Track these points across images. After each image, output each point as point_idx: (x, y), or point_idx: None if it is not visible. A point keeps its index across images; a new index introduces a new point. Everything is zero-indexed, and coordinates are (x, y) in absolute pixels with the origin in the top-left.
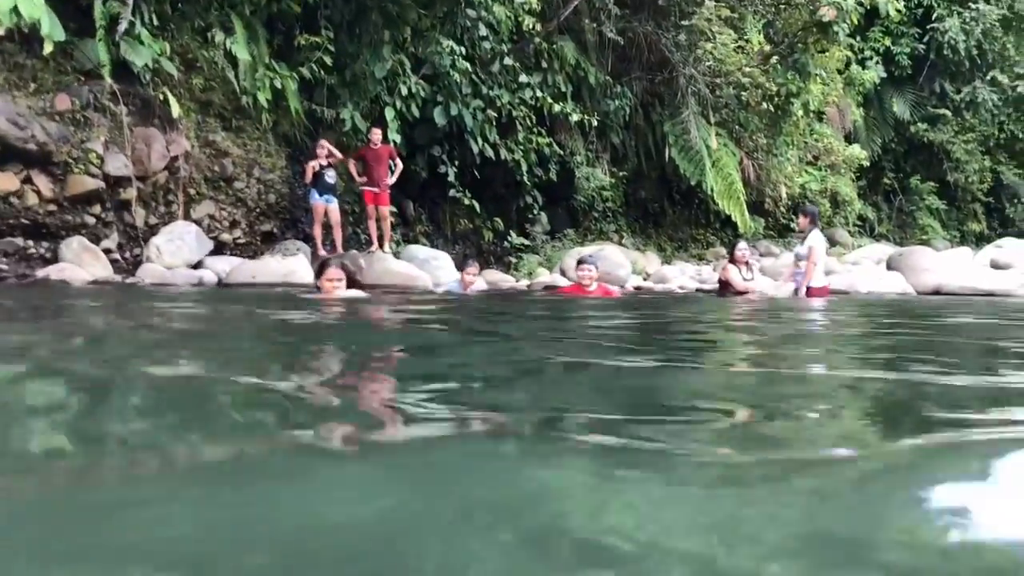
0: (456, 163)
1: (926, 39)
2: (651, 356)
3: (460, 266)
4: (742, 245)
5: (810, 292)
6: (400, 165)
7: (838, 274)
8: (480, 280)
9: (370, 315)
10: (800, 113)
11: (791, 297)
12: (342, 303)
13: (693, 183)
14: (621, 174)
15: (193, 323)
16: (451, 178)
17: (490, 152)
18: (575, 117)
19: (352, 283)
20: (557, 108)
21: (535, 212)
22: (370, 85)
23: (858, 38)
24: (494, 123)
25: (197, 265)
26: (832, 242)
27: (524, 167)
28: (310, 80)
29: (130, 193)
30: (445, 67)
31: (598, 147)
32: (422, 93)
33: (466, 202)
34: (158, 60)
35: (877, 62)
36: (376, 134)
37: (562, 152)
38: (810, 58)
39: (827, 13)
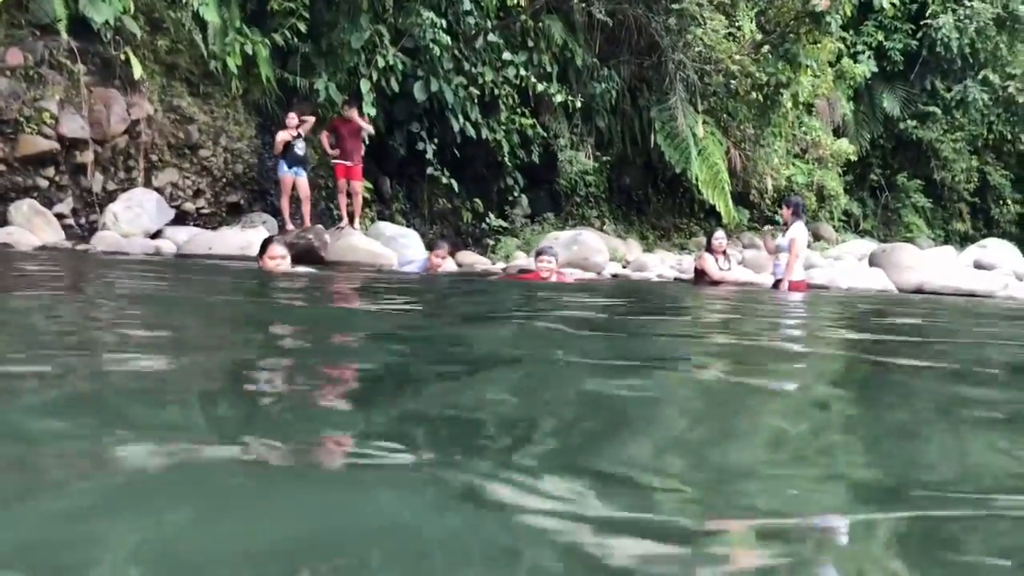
0: (436, 141)
1: (919, 35)
2: (578, 354)
3: (431, 246)
4: (719, 234)
5: (789, 286)
6: (369, 128)
7: (820, 268)
8: (449, 262)
9: (302, 294)
10: (789, 105)
11: (769, 289)
12: (285, 278)
13: (678, 171)
14: (605, 159)
15: (118, 298)
16: (429, 155)
17: (471, 131)
18: (559, 98)
19: (314, 258)
20: (541, 88)
21: (515, 194)
22: (346, 55)
23: (851, 32)
24: (476, 101)
25: (157, 234)
26: (816, 236)
27: (506, 148)
28: (283, 47)
29: (87, 156)
30: (425, 40)
31: (583, 131)
32: (401, 67)
33: (444, 181)
34: (120, 18)
35: (869, 56)
36: (351, 110)
37: (545, 134)
38: (801, 48)
39: (820, 3)
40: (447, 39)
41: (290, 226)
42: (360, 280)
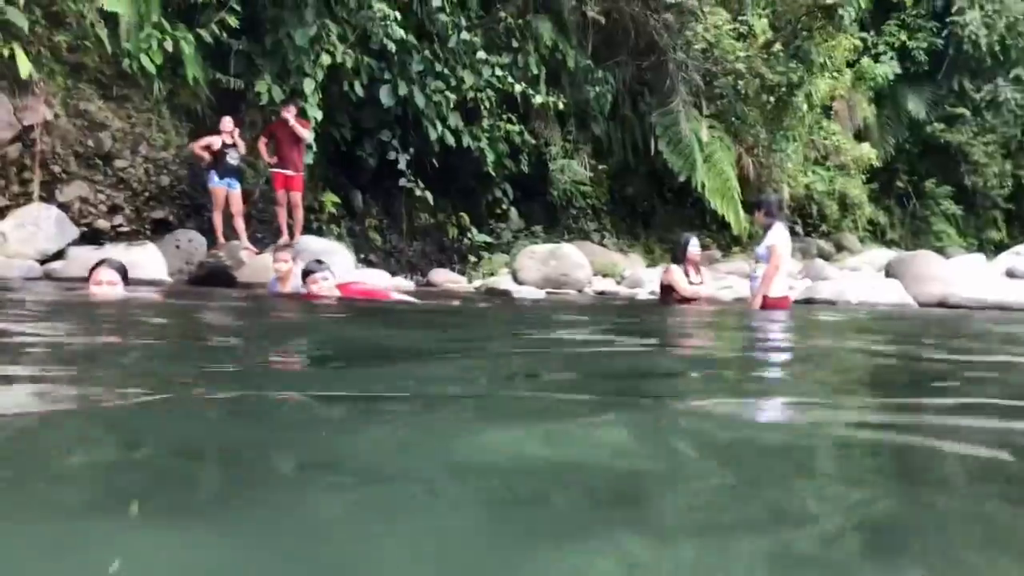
0: (411, 150)
1: (945, 33)
2: None
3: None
4: (695, 241)
5: (766, 303)
6: (308, 136)
7: (830, 280)
8: (295, 278)
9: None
10: (804, 107)
11: (745, 307)
12: (106, 304)
13: (682, 179)
14: (602, 168)
15: None
16: (402, 166)
17: (451, 139)
18: (538, 99)
19: (225, 280)
20: (519, 88)
21: (505, 207)
22: (290, 54)
23: (871, 32)
24: (455, 107)
25: (59, 255)
26: (839, 247)
27: (491, 157)
28: (221, 46)
29: None
30: (379, 36)
31: (577, 138)
32: (368, 70)
33: (418, 193)
34: (3, 9)
35: (892, 57)
36: (291, 110)
37: (535, 142)
38: (814, 46)
39: None
40: (400, 32)
41: (221, 241)
42: (203, 304)
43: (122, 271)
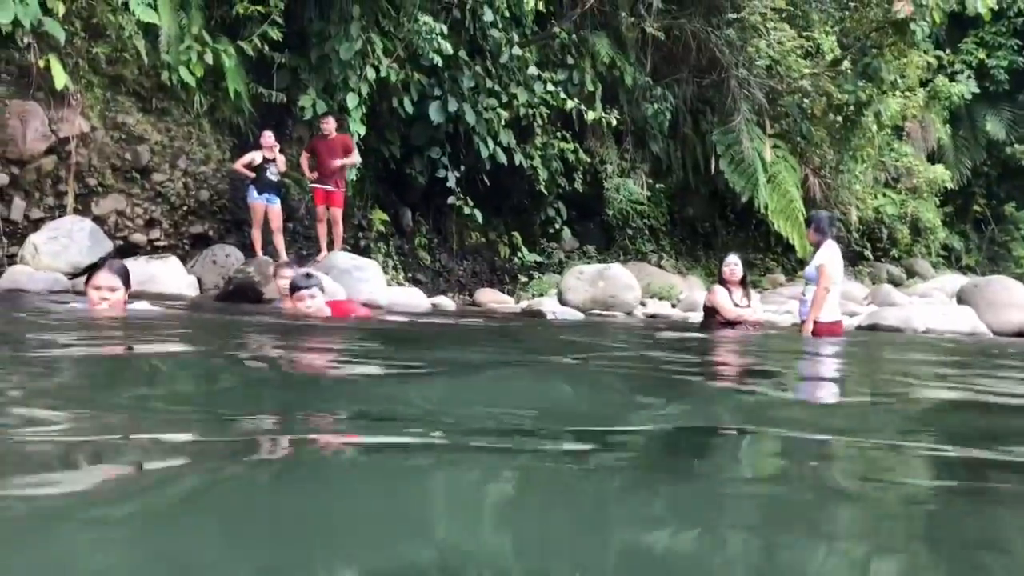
0: (461, 168)
1: None
2: None
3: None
4: (732, 259)
5: (817, 329)
6: (356, 159)
7: (896, 307)
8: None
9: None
10: (874, 127)
11: (793, 333)
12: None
13: (744, 199)
14: (660, 187)
15: None
16: (451, 183)
17: (502, 156)
18: (591, 115)
19: (253, 296)
20: (571, 104)
21: (558, 227)
22: (335, 68)
23: (947, 50)
24: (507, 124)
25: (91, 268)
26: (910, 273)
27: (544, 175)
28: (265, 60)
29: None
30: (425, 50)
31: (634, 156)
32: (418, 86)
33: (467, 211)
34: (41, 20)
35: (969, 76)
36: (329, 123)
37: (590, 160)
38: (884, 63)
39: (903, 8)
40: (448, 47)
41: (261, 258)
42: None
43: (123, 275)
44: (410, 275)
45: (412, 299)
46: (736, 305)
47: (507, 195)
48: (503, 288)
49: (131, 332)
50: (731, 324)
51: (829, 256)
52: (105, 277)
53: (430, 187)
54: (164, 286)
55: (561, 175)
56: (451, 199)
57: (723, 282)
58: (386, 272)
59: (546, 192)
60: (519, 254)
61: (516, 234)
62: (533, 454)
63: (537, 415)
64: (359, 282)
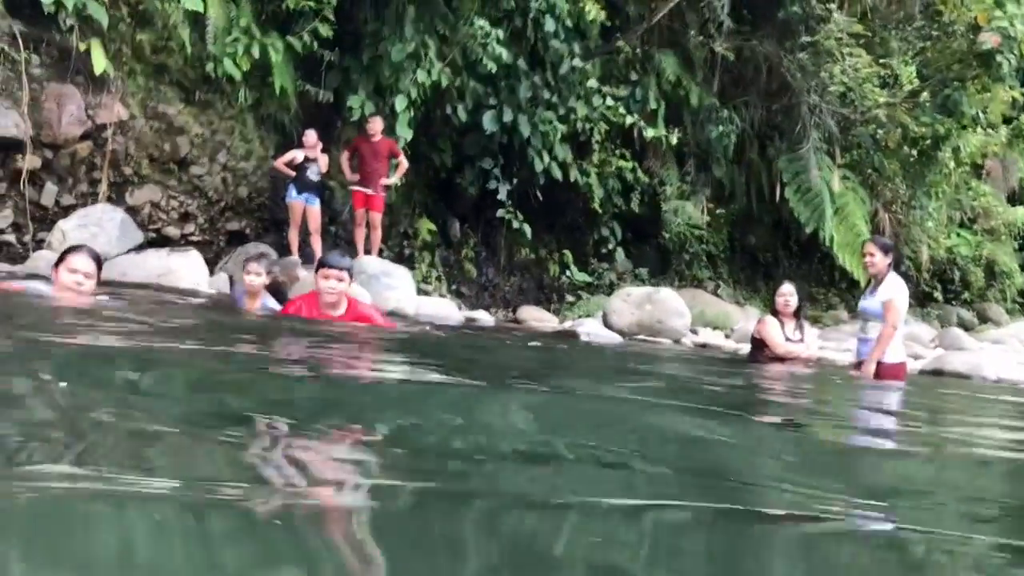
0: (514, 181)
1: None
2: None
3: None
4: (786, 288)
5: (880, 372)
6: (404, 164)
7: (965, 351)
8: (267, 297)
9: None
10: (951, 163)
11: (849, 373)
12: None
13: (809, 230)
14: (719, 212)
15: None
16: (502, 196)
17: (558, 172)
18: (651, 132)
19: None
20: (630, 120)
21: (611, 247)
22: (385, 69)
23: None
24: (564, 138)
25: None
26: (983, 318)
27: (599, 193)
28: (315, 57)
29: (31, 162)
30: (479, 55)
31: (696, 180)
32: (473, 94)
33: (516, 225)
34: (85, 3)
35: None
36: (375, 123)
37: (649, 181)
38: (966, 96)
39: (989, 39)
40: (503, 52)
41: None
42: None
43: (99, 263)
44: (454, 287)
45: (442, 311)
46: (788, 339)
47: (560, 212)
48: (549, 307)
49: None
50: (778, 359)
51: (899, 290)
52: (84, 261)
53: (481, 199)
54: (179, 280)
55: (618, 194)
56: (501, 212)
57: (776, 313)
58: (428, 283)
59: (601, 211)
60: (568, 272)
61: (567, 252)
62: None
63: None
64: (387, 289)
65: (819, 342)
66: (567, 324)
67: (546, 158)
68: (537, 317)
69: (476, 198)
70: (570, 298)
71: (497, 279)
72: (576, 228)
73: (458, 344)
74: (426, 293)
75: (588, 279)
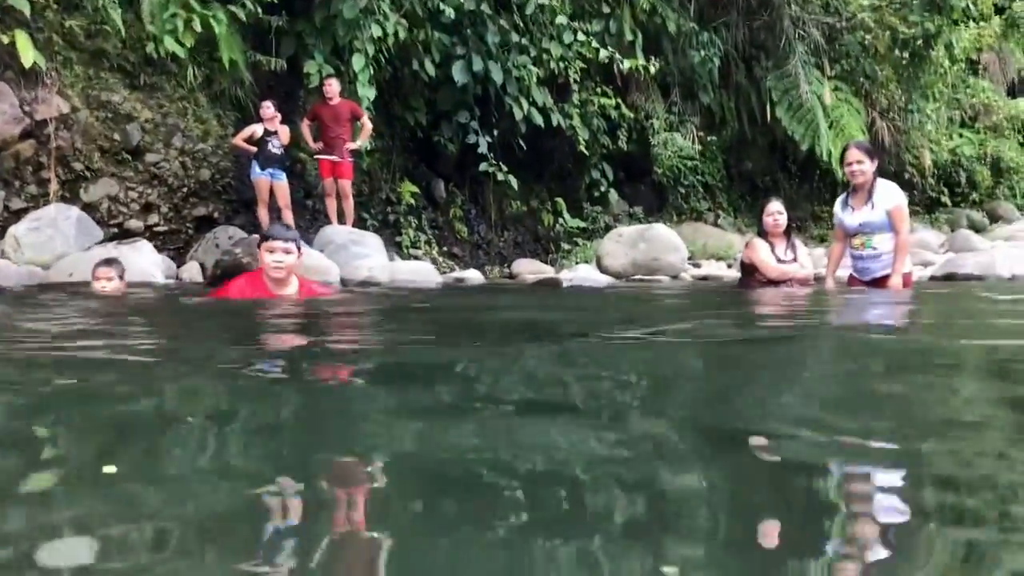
0: (495, 132)
1: None
2: None
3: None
4: (774, 206)
5: (904, 280)
6: (368, 126)
7: (976, 252)
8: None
9: None
10: (944, 61)
11: (857, 289)
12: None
13: (805, 148)
14: (711, 140)
15: None
16: (483, 149)
17: (538, 118)
18: (627, 64)
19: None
20: (604, 54)
21: (603, 189)
22: (340, 28)
23: None
24: (541, 82)
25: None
26: (993, 217)
27: (584, 135)
28: (255, 24)
29: None
30: (436, 3)
31: (684, 109)
32: (440, 46)
33: (500, 177)
34: None
35: None
36: (332, 85)
37: (635, 116)
38: None
39: None
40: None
41: None
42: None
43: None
44: (445, 249)
45: (419, 274)
46: (780, 261)
47: (547, 159)
48: (547, 258)
49: None
50: (771, 283)
51: (898, 194)
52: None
53: (463, 155)
54: (129, 273)
55: (604, 134)
56: (484, 166)
57: (765, 234)
58: (418, 247)
59: (588, 153)
60: (562, 220)
61: (559, 200)
62: None
63: None
64: (357, 258)
65: (811, 259)
66: (562, 274)
67: (524, 104)
68: (532, 270)
69: (458, 155)
70: (566, 246)
71: (490, 236)
72: (566, 174)
73: (406, 308)
74: (416, 258)
75: (583, 225)
